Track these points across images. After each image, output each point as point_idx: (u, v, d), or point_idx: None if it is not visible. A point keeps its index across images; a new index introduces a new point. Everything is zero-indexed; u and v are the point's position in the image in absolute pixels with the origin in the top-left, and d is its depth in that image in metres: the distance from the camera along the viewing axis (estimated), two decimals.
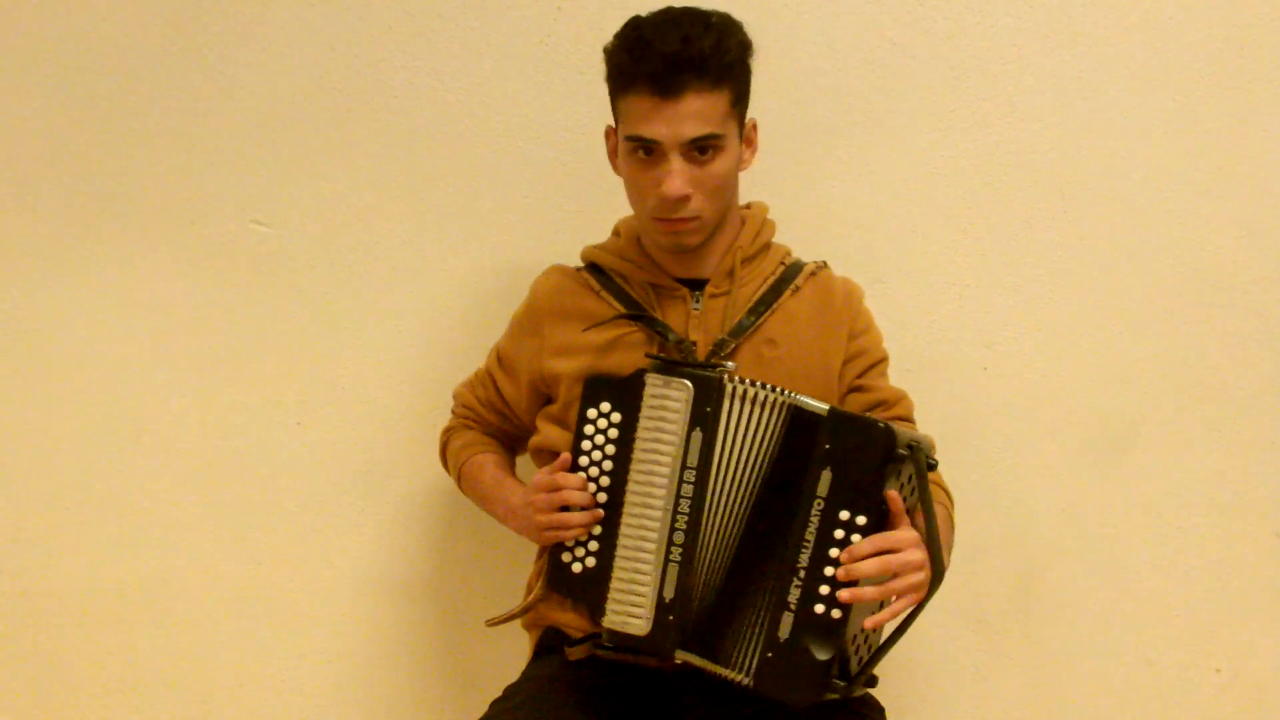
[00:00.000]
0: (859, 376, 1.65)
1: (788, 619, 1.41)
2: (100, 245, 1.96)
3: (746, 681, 1.45)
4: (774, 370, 1.57)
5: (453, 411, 1.80)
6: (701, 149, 1.50)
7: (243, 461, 1.98)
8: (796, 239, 1.73)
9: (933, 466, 1.46)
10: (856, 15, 1.93)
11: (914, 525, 1.43)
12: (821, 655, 1.40)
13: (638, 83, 1.48)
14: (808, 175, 1.94)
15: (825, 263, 1.70)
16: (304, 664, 2.00)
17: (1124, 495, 1.97)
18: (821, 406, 1.45)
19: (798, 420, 1.46)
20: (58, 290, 1.96)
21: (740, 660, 1.46)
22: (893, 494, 1.41)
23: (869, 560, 1.38)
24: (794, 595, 1.41)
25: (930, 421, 1.73)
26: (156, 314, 1.96)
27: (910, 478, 1.45)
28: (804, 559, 1.41)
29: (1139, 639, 1.98)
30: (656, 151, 1.50)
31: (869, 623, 1.41)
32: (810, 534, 1.42)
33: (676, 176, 1.50)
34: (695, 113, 1.48)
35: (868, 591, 1.38)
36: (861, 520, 1.40)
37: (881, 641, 1.45)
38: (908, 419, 1.67)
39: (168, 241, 1.96)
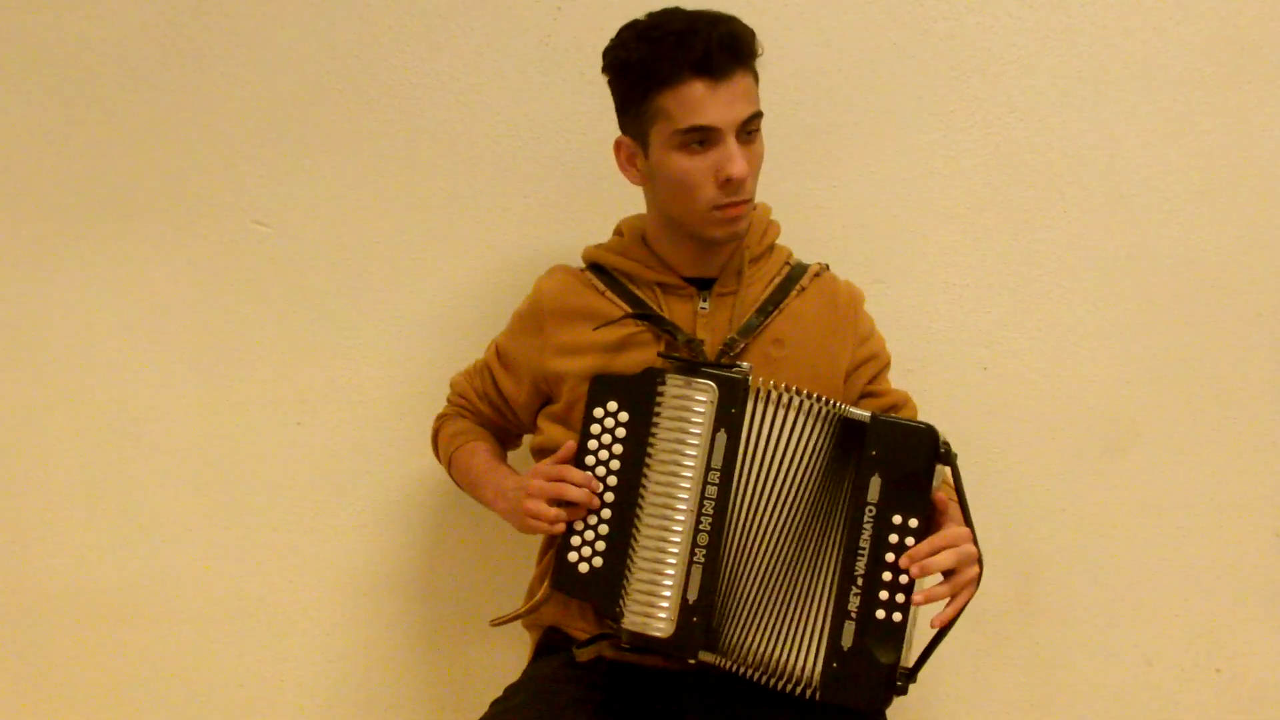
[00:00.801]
0: (870, 382, 1.66)
1: (850, 627, 1.43)
2: (100, 245, 1.96)
3: (811, 693, 1.45)
4: (781, 370, 1.57)
5: (448, 400, 1.80)
6: (749, 130, 1.52)
7: (242, 461, 1.98)
8: (797, 239, 1.73)
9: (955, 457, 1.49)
10: (856, 15, 1.93)
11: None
12: (887, 659, 1.42)
13: (685, 73, 1.49)
14: (808, 175, 1.94)
15: (827, 265, 1.70)
16: (303, 664, 2.00)
17: (1124, 495, 1.97)
18: (863, 414, 1.47)
19: (838, 427, 1.48)
20: (58, 290, 1.96)
21: (798, 671, 1.46)
22: (940, 496, 1.44)
23: (937, 556, 1.40)
24: (854, 603, 1.43)
25: (930, 422, 1.73)
26: (156, 314, 1.96)
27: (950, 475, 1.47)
28: (861, 566, 1.43)
29: (1139, 639, 1.98)
30: (710, 139, 1.51)
31: (936, 621, 1.43)
32: (865, 541, 1.43)
33: (739, 158, 1.51)
34: (744, 93, 1.51)
35: (939, 590, 1.41)
36: (914, 523, 1.43)
37: (932, 636, 1.47)
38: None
39: (168, 241, 1.96)
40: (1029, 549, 1.98)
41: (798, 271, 1.66)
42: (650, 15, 1.55)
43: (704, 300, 1.61)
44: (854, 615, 1.43)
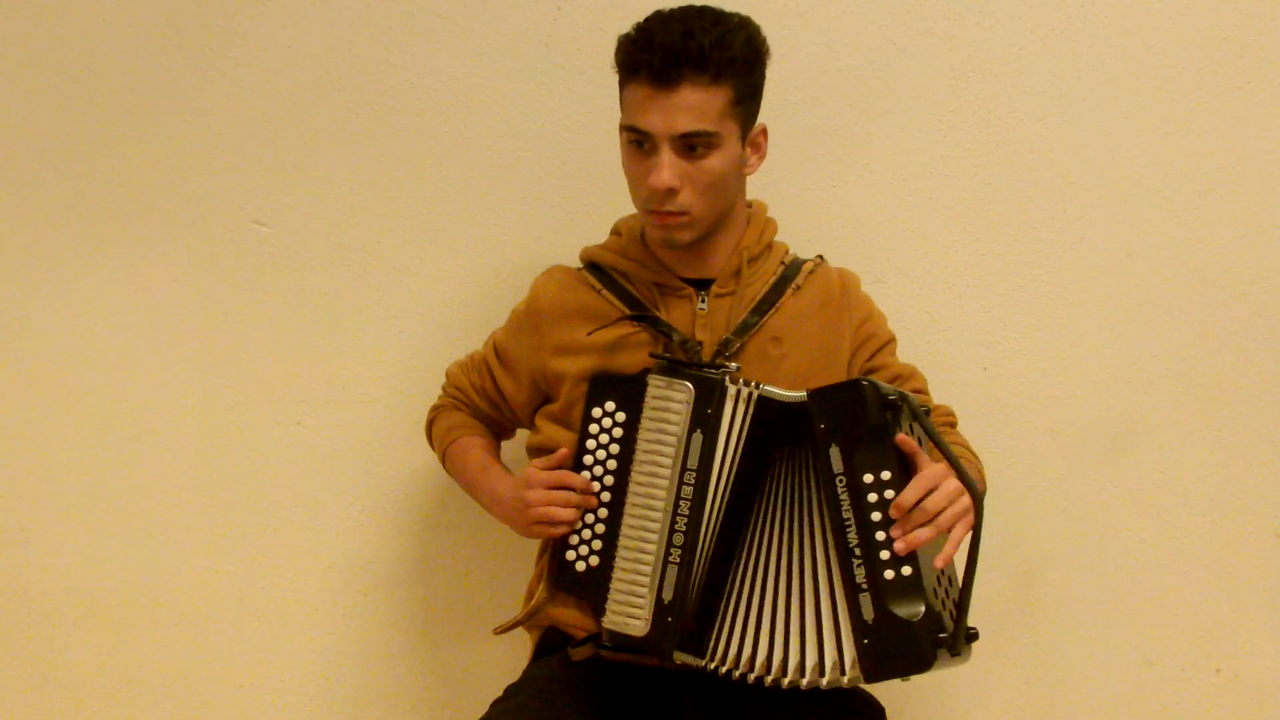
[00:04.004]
0: (869, 359, 1.66)
1: (866, 600, 1.40)
2: (100, 245, 1.96)
3: (853, 678, 1.41)
4: (780, 368, 1.58)
5: (444, 389, 1.80)
6: (692, 145, 1.51)
7: (243, 461, 1.98)
8: (796, 239, 1.73)
9: (926, 411, 1.47)
10: (857, 15, 1.93)
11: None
12: (912, 614, 1.38)
13: (639, 73, 1.50)
14: (808, 175, 1.94)
15: (822, 257, 1.70)
16: (303, 664, 2.00)
17: (1124, 495, 1.97)
18: (797, 394, 1.46)
19: (780, 412, 1.47)
20: (58, 290, 1.96)
21: (829, 664, 1.42)
22: (902, 437, 1.42)
23: (917, 510, 1.38)
24: (861, 575, 1.40)
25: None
26: (157, 314, 1.96)
27: (911, 425, 1.45)
28: (853, 537, 1.41)
29: (1139, 639, 1.98)
30: (650, 143, 1.51)
31: (939, 561, 1.39)
32: (847, 512, 1.41)
33: (665, 169, 1.50)
34: (690, 106, 1.48)
35: (922, 533, 1.38)
36: (886, 475, 1.41)
37: (959, 589, 1.44)
38: (923, 391, 1.69)
39: (168, 241, 1.96)
40: (1029, 549, 1.98)
41: (793, 270, 1.66)
42: (674, 9, 1.55)
43: (702, 301, 1.62)
44: (865, 586, 1.40)
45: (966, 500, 1.41)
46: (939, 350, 1.95)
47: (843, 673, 1.42)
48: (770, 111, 1.66)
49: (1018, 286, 1.95)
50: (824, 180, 1.94)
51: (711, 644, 1.48)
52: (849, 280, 1.69)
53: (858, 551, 1.41)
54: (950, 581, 1.47)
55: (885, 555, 1.40)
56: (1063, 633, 1.98)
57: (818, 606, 1.44)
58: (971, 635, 1.43)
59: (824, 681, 1.43)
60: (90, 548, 1.99)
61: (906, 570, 1.39)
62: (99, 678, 2.00)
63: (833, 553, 1.43)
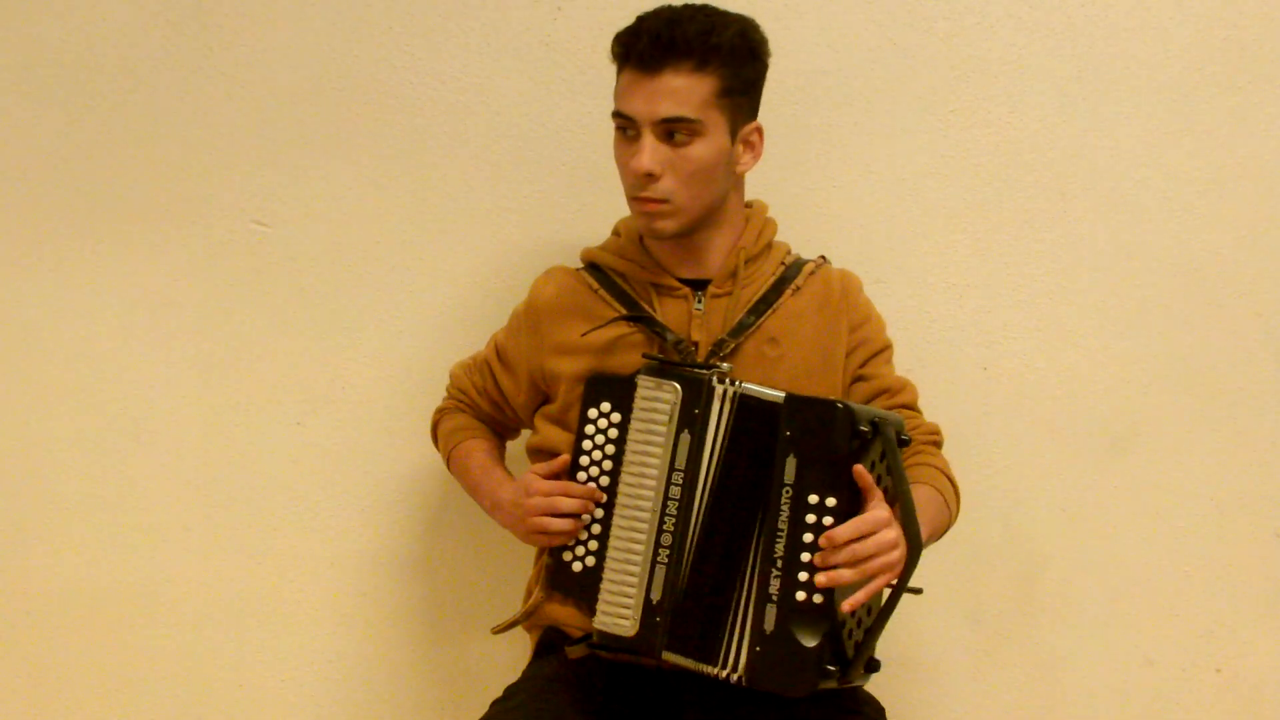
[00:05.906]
0: (860, 366, 1.65)
1: (771, 611, 1.42)
2: (101, 245, 1.96)
3: (739, 678, 1.45)
4: (777, 369, 1.58)
5: (448, 390, 1.81)
6: (673, 132, 1.52)
7: (243, 461, 1.98)
8: (796, 239, 1.73)
9: (905, 442, 1.47)
10: (857, 15, 1.93)
11: (890, 502, 1.43)
12: (809, 642, 1.40)
13: (628, 61, 1.53)
14: (808, 175, 1.94)
15: (824, 258, 1.70)
16: (303, 664, 2.00)
17: (1124, 495, 1.97)
18: (777, 394, 1.46)
19: (759, 411, 1.47)
20: (58, 290, 1.96)
21: (729, 657, 1.46)
22: (859, 469, 1.41)
23: (845, 550, 1.37)
24: (774, 586, 1.42)
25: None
26: (156, 314, 1.96)
27: (882, 455, 1.45)
28: (780, 548, 1.42)
29: (1139, 639, 1.98)
30: (634, 129, 1.53)
31: (846, 605, 1.40)
32: (783, 522, 1.42)
33: (645, 153, 1.52)
34: (672, 92, 1.50)
35: (844, 574, 1.38)
36: (831, 502, 1.41)
37: (870, 625, 1.45)
38: (911, 406, 1.67)
39: (168, 241, 1.96)
40: (1029, 549, 1.98)
41: (793, 271, 1.66)
42: (665, 6, 1.58)
43: (699, 301, 1.62)
44: (775, 598, 1.41)
45: (897, 555, 1.40)
46: (939, 350, 1.95)
47: (735, 669, 1.45)
48: (771, 112, 1.66)
49: (1018, 286, 1.95)
50: (824, 180, 1.94)
51: (722, 651, 1.48)
52: (850, 282, 1.68)
53: (779, 563, 1.42)
54: (870, 612, 1.47)
55: (803, 577, 1.41)
56: (1063, 633, 1.98)
57: (737, 601, 1.46)
58: (872, 666, 1.46)
59: (723, 673, 1.46)
60: (90, 548, 1.99)
61: (818, 599, 1.40)
62: (99, 678, 2.00)
63: (758, 555, 1.44)
